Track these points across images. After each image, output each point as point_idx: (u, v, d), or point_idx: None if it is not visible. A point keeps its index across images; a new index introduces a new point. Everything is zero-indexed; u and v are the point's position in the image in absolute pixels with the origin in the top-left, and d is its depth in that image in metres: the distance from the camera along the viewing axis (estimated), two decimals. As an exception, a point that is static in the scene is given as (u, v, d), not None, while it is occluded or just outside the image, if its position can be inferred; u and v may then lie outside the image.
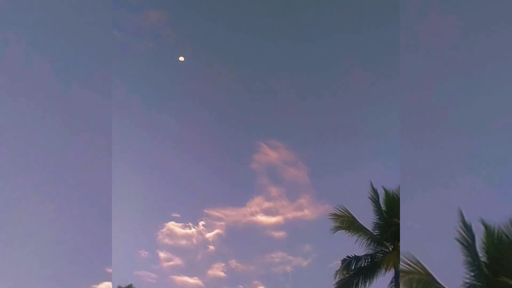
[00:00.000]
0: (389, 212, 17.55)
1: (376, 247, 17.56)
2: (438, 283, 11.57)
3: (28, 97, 14.05)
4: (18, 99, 13.80)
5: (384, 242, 17.49)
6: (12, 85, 13.59)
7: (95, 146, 14.81)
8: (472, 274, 11.55)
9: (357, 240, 17.67)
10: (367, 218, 18.11)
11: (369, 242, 17.56)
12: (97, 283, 14.77)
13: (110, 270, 14.61)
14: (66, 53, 15.22)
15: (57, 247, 13.91)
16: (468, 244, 11.49)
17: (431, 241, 11.43)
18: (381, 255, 17.33)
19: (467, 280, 11.57)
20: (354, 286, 17.20)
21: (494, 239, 11.35)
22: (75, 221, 14.34)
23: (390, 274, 17.15)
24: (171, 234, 27.08)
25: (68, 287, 13.92)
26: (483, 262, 11.50)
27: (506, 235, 11.26)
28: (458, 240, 11.52)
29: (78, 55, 15.30)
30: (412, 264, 11.67)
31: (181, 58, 25.52)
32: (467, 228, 11.54)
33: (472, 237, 11.52)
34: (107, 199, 14.42)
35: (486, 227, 11.54)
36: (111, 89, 15.85)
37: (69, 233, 14.16)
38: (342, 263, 17.62)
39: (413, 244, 11.82)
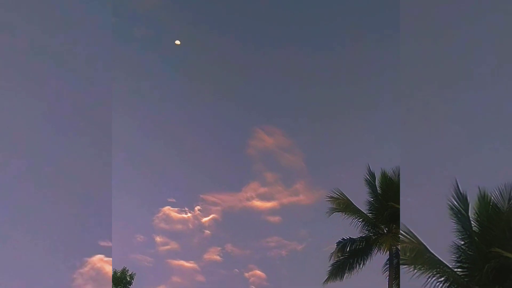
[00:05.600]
0: (384, 195, 17.59)
1: (371, 230, 17.60)
2: (430, 252, 11.59)
3: (27, 89, 14.26)
4: (18, 94, 14.03)
5: (379, 225, 17.54)
6: (11, 80, 13.82)
7: (93, 133, 15.03)
8: (463, 242, 11.60)
9: (351, 223, 17.70)
10: (362, 203, 18.18)
11: (364, 224, 17.60)
12: (90, 256, 15.00)
13: (103, 244, 14.82)
14: (64, 39, 15.46)
15: (54, 225, 14.12)
16: (461, 213, 11.53)
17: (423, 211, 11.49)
18: (376, 237, 17.36)
19: (458, 248, 11.63)
20: (348, 268, 17.25)
21: (487, 208, 11.38)
22: (73, 201, 14.54)
23: (385, 256, 17.25)
24: (167, 219, 27.21)
25: (62, 259, 14.16)
26: (475, 231, 11.54)
27: (496, 205, 11.31)
28: (451, 208, 11.56)
29: (75, 43, 15.54)
30: (405, 234, 11.70)
31: (177, 42, 25.76)
32: (461, 197, 11.57)
33: (466, 206, 11.54)
34: (107, 186, 14.65)
35: (479, 196, 11.56)
36: (110, 77, 16.11)
37: (66, 213, 14.37)
38: (337, 245, 17.64)
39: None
